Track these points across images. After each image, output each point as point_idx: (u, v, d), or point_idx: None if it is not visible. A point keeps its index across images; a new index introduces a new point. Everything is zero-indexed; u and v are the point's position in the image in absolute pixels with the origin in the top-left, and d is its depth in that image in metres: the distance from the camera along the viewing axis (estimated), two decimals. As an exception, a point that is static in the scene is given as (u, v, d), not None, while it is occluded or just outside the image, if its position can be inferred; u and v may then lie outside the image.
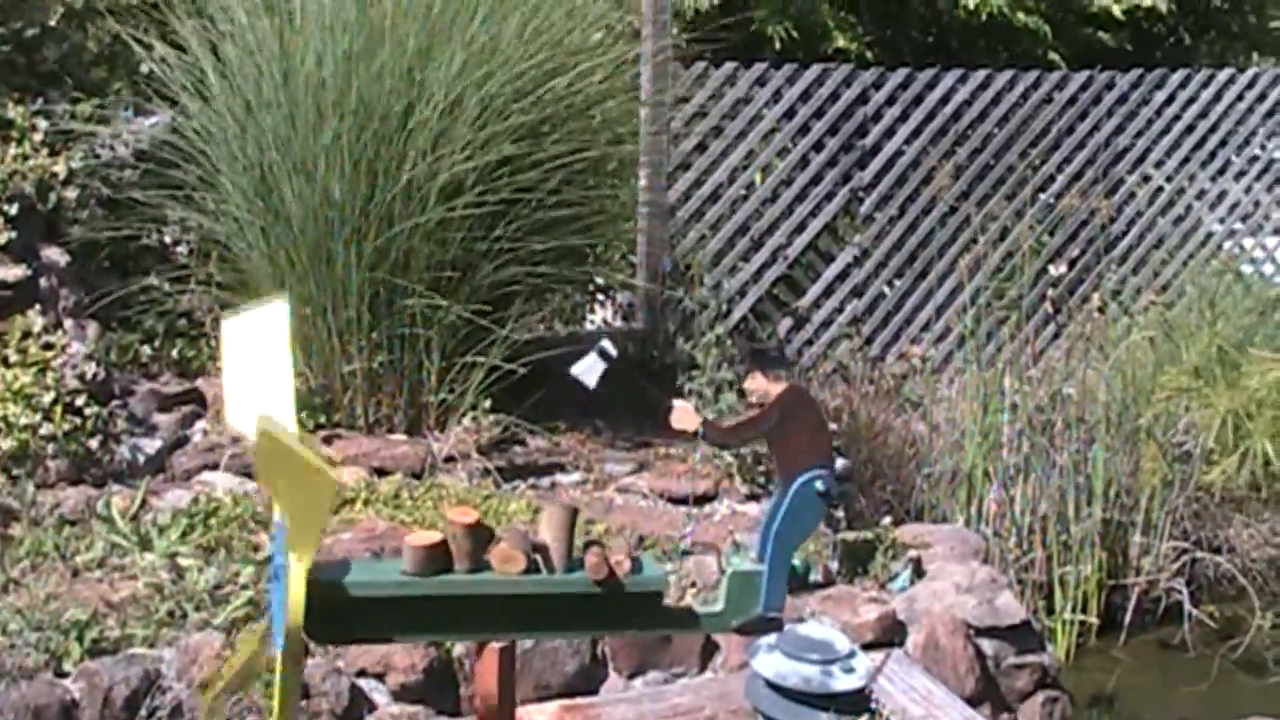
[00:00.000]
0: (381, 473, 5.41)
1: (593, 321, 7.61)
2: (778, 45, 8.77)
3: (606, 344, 2.87)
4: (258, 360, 2.44)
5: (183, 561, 4.53)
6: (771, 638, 3.66)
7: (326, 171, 5.49)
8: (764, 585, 2.55)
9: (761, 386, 2.63)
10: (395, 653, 4.11)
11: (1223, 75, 8.56)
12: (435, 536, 2.37)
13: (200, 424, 5.69)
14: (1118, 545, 6.46)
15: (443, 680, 4.19)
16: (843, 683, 3.61)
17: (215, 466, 5.34)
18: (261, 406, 2.35)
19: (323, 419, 5.70)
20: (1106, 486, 6.35)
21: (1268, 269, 8.58)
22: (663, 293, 7.14)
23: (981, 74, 7.93)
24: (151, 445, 5.42)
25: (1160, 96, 8.36)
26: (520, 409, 5.71)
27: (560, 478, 5.67)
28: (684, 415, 2.60)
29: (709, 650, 4.56)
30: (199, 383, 5.89)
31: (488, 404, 5.64)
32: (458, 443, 5.59)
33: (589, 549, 2.39)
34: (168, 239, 6.34)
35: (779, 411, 2.60)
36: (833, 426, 6.77)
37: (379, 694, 4.13)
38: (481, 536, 2.37)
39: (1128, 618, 6.31)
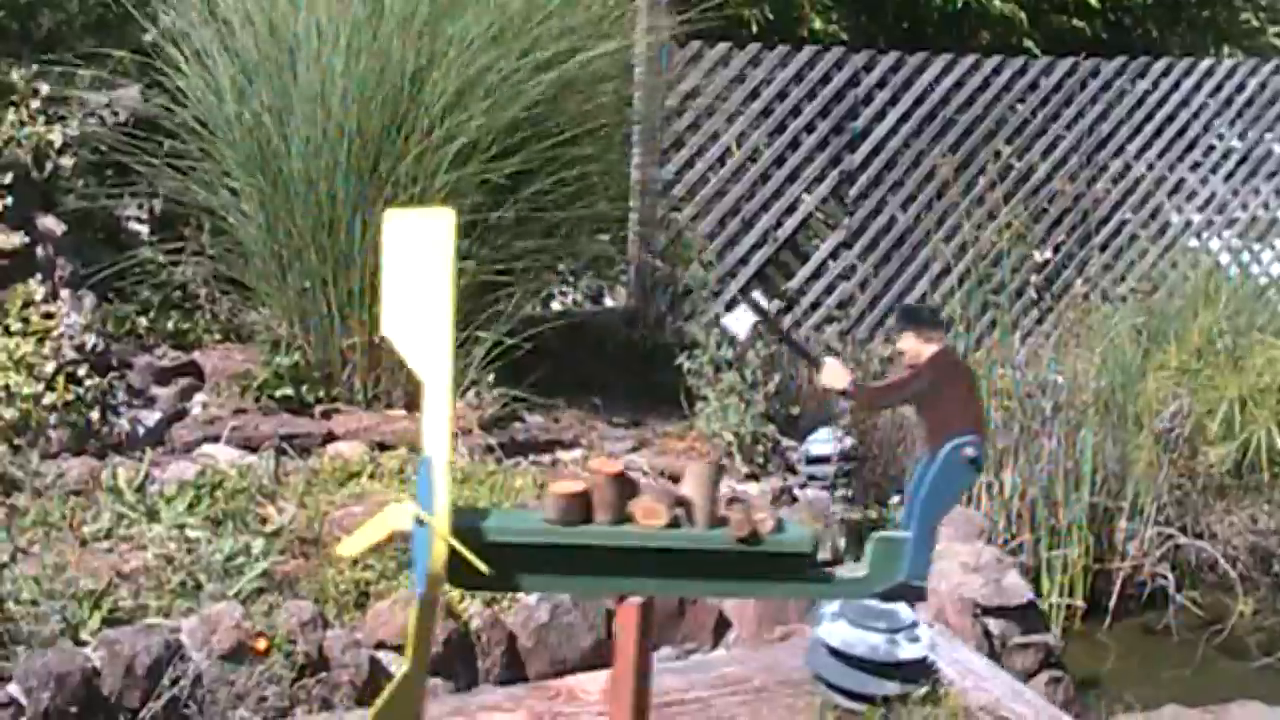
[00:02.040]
0: (382, 447, 5.38)
1: (562, 304, 7.59)
2: (754, 28, 8.77)
3: (757, 296, 2.83)
4: (417, 268, 2.37)
5: (191, 533, 4.49)
6: (835, 606, 3.68)
7: (332, 139, 5.44)
8: (909, 552, 2.52)
9: (913, 348, 2.58)
10: (415, 625, 4.09)
11: (1204, 65, 8.63)
12: (578, 485, 2.35)
13: (199, 396, 5.64)
14: (1104, 530, 6.51)
15: (462, 652, 4.17)
16: (908, 651, 3.65)
17: (216, 439, 5.30)
18: (418, 316, 2.32)
19: (321, 393, 5.67)
20: (1094, 472, 6.40)
21: (1244, 257, 8.65)
22: (654, 272, 7.13)
23: (970, 59, 7.96)
24: (151, 417, 5.38)
25: (1143, 85, 8.41)
26: (520, 386, 5.69)
27: (561, 454, 5.66)
28: (835, 373, 2.55)
29: (721, 627, 4.57)
30: (196, 355, 5.85)
31: (490, 379, 5.62)
32: (458, 418, 5.55)
33: (731, 505, 2.37)
34: (158, 209, 6.28)
35: (931, 374, 2.55)
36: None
37: (396, 666, 4.10)
38: (624, 488, 2.35)
39: (1113, 602, 6.35)
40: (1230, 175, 8.75)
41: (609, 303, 7.71)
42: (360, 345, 5.65)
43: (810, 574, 2.44)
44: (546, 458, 5.61)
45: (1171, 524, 6.56)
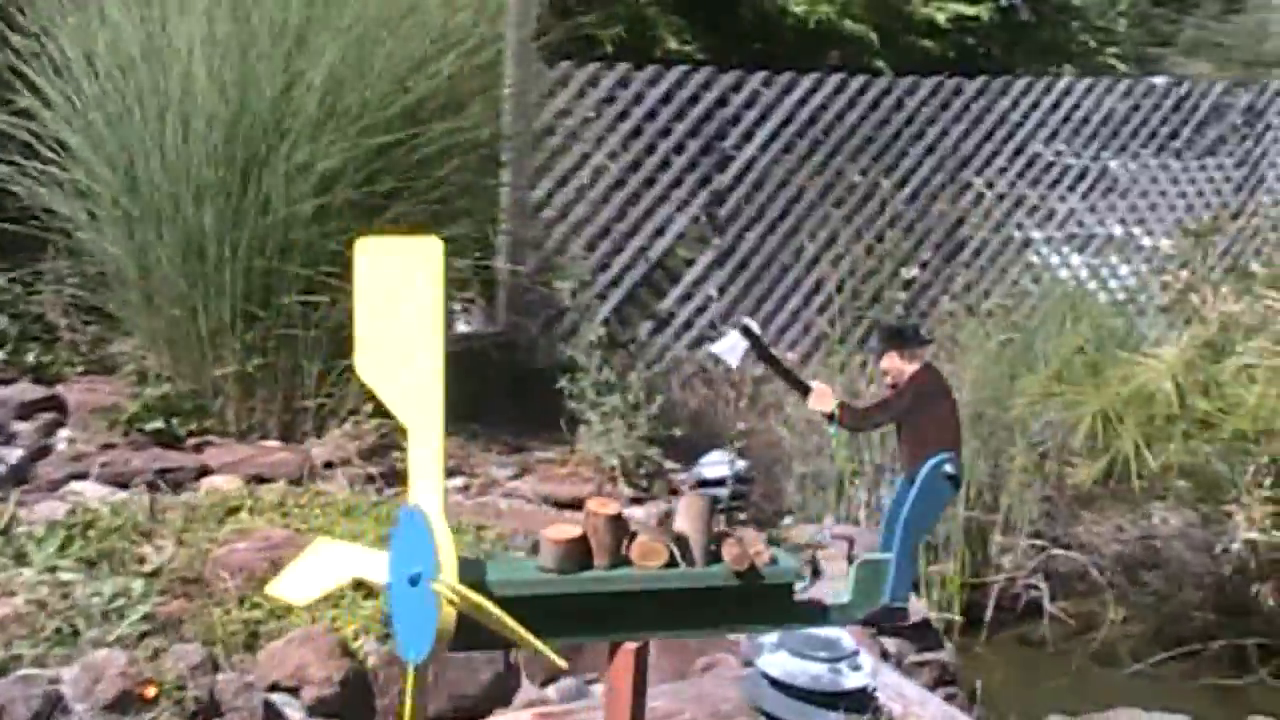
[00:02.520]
0: (259, 480, 5.20)
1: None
2: (609, 48, 8.74)
3: (749, 322, 2.75)
4: (398, 302, 2.17)
5: (64, 576, 4.27)
6: (773, 638, 3.63)
7: (199, 161, 5.27)
8: (891, 575, 2.47)
9: (897, 367, 2.54)
10: (310, 665, 3.95)
11: (1061, 84, 8.80)
12: (574, 530, 2.24)
13: (63, 432, 5.40)
14: (978, 544, 6.57)
15: (359, 692, 4.03)
16: (852, 680, 3.61)
17: (84, 476, 5.07)
18: (398, 359, 2.15)
19: (194, 425, 5.47)
20: (968, 486, 6.45)
21: (1104, 273, 8.84)
22: (525, 294, 7.04)
23: (836, 78, 8.02)
24: (13, 455, 5.13)
25: (1004, 103, 8.55)
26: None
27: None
28: (822, 397, 2.49)
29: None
30: (58, 389, 5.60)
31: (368, 408, 5.48)
32: (336, 448, 5.41)
33: (723, 540, 2.29)
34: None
35: (913, 394, 2.51)
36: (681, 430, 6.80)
37: (292, 709, 3.94)
38: (622, 529, 2.25)
39: (989, 615, 6.41)
40: (1085, 193, 8.94)
41: (461, 327, 7.57)
42: (233, 375, 5.47)
43: (799, 605, 2.37)
44: (428, 486, 5.47)
45: (1043, 536, 6.65)
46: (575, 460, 5.83)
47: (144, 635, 3.99)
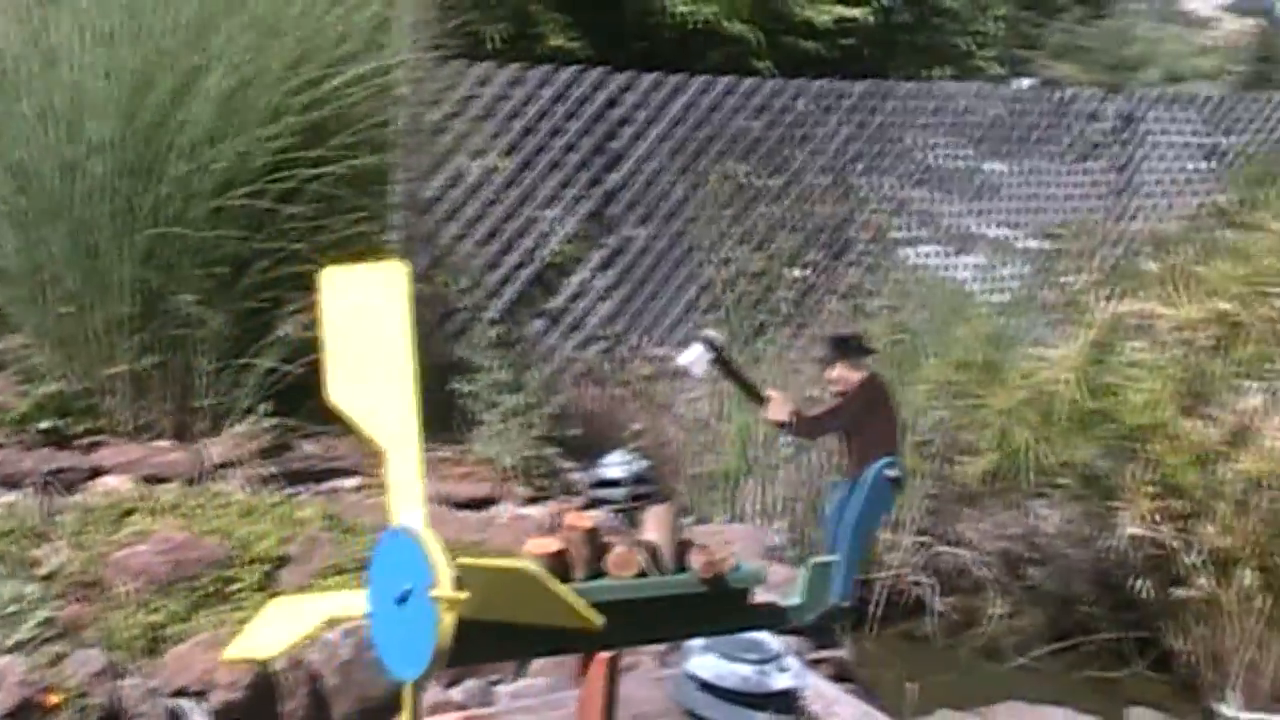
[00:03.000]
0: (153, 480, 5.14)
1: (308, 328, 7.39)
2: (491, 46, 8.73)
3: (711, 333, 2.78)
4: (368, 328, 2.18)
5: (-46, 582, 4.20)
6: (700, 641, 3.68)
7: (92, 160, 5.19)
8: (839, 575, 2.53)
9: (844, 376, 2.59)
10: (217, 669, 3.91)
11: (952, 86, 8.96)
12: (553, 544, 2.26)
13: (-55, 435, 5.30)
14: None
15: (265, 697, 4.00)
16: (779, 681, 3.67)
17: (-32, 479, 4.98)
18: (368, 382, 2.15)
19: (86, 425, 5.39)
20: (854, 484, 6.53)
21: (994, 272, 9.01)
22: (417, 293, 6.99)
23: (726, 79, 8.08)
24: (-107, 458, 5.02)
25: (888, 106, 8.68)
26: (297, 413, 5.52)
27: (339, 482, 5.50)
28: (779, 406, 2.54)
29: (522, 657, 4.52)
30: (-58, 387, 5.49)
31: (264, 408, 5.44)
32: (232, 448, 5.36)
33: (689, 549, 2.34)
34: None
35: (861, 401, 2.57)
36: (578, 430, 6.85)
37: (198, 715, 3.91)
38: (598, 541, 2.28)
39: (877, 611, 6.51)
40: (966, 195, 9.11)
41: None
42: (126, 375, 5.39)
43: (758, 608, 2.43)
44: (325, 486, 5.44)
45: (928, 533, 6.76)
46: (471, 460, 5.82)
47: (43, 641, 3.93)
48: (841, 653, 5.09)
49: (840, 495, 2.59)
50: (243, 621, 4.15)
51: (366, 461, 5.70)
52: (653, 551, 2.31)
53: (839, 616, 2.62)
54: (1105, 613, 6.05)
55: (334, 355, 2.17)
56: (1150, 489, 5.33)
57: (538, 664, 4.52)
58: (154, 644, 4.07)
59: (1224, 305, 5.33)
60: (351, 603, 2.16)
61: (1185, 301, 5.41)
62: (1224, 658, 5.42)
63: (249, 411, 5.44)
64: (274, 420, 5.46)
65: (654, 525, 2.34)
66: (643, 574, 2.30)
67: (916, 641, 6.44)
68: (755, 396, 2.69)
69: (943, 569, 6.82)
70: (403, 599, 2.07)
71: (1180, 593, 5.33)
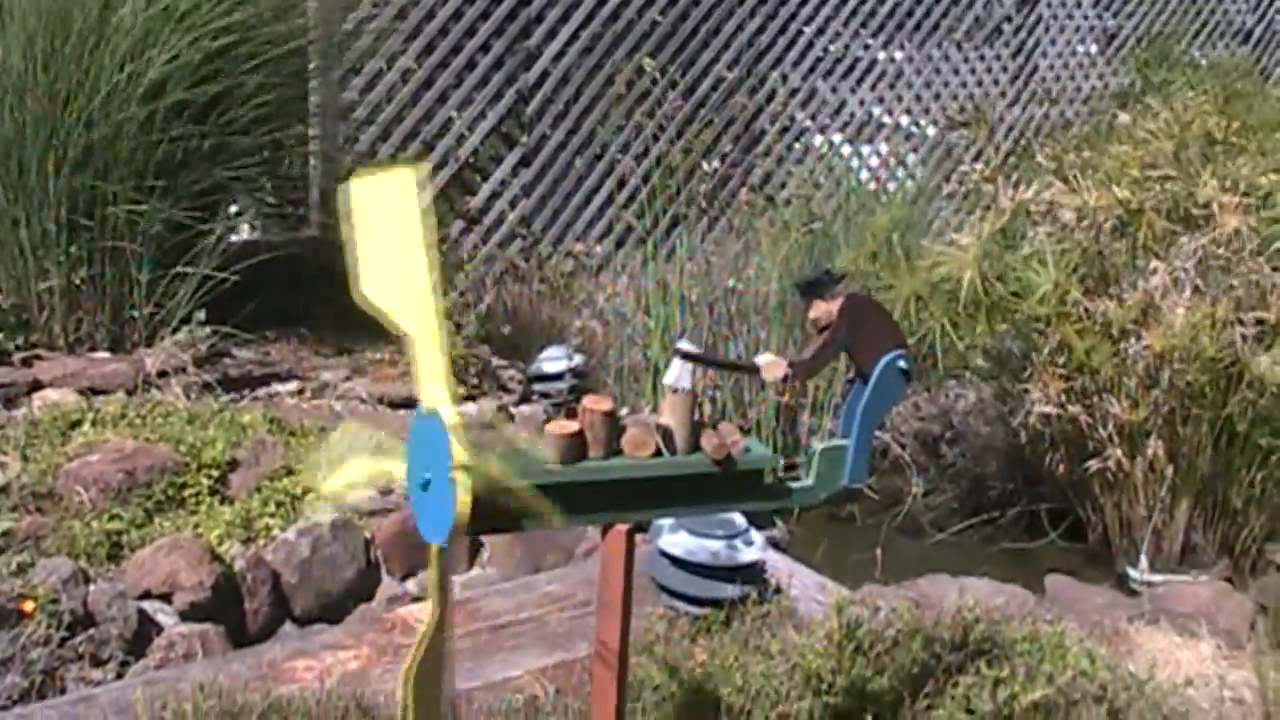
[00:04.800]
0: (93, 392, 5.20)
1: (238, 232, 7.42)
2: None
3: (684, 344, 2.94)
4: (389, 229, 2.37)
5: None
6: (669, 520, 3.88)
7: (16, 70, 5.18)
8: (849, 459, 2.71)
9: (823, 310, 2.71)
10: (181, 571, 4.02)
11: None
12: (573, 426, 2.42)
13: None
14: (788, 426, 6.87)
15: (229, 596, 4.13)
16: (747, 555, 3.88)
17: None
18: (392, 278, 2.32)
19: (20, 340, 5.42)
20: (774, 368, 6.70)
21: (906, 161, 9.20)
22: (338, 196, 7.03)
23: (636, -25, 8.13)
24: None
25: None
26: (234, 320, 5.59)
27: (278, 387, 5.59)
28: (774, 366, 2.66)
29: (474, 549, 4.67)
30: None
31: (199, 316, 5.50)
32: (169, 358, 5.42)
33: (703, 431, 2.51)
34: None
35: (846, 323, 2.69)
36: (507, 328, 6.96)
37: (165, 615, 4.02)
38: (615, 423, 2.44)
39: (800, 493, 6.71)
40: (872, 84, 9.26)
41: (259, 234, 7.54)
42: (59, 288, 5.43)
43: (769, 488, 2.62)
44: (263, 391, 5.53)
45: (846, 415, 6.96)
46: (405, 360, 5.91)
47: (4, 551, 4.02)
48: (775, 532, 5.29)
49: (855, 390, 2.74)
50: (199, 526, 4.31)
51: (302, 366, 5.82)
52: (666, 434, 2.48)
53: (852, 496, 2.81)
54: (1020, 487, 6.27)
55: (363, 256, 2.36)
56: (1058, 370, 5.53)
57: (486, 554, 4.70)
58: (115, 550, 4.16)
59: (1122, 192, 5.49)
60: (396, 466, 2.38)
61: (1086, 188, 5.56)
62: (1134, 525, 5.66)
63: (185, 321, 5.49)
64: (210, 328, 5.52)
65: (670, 411, 2.51)
66: (658, 453, 2.47)
67: (840, 521, 6.64)
68: (747, 369, 2.84)
69: (864, 450, 7.03)
70: (424, 486, 2.25)
71: (1092, 465, 5.53)
